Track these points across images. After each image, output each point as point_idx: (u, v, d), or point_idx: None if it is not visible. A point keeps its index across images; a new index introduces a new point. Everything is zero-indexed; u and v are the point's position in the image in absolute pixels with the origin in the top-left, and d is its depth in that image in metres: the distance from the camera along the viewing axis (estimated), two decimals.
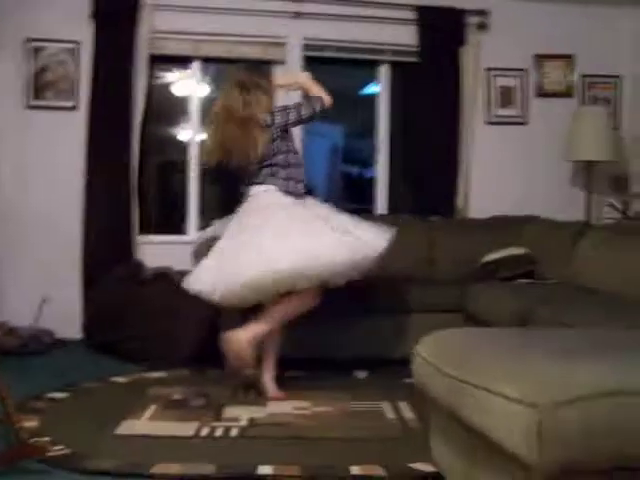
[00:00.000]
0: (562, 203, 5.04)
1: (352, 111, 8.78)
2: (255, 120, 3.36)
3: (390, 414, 3.12)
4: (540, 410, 1.51)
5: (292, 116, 3.44)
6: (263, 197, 3.40)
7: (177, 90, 5.34)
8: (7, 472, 2.32)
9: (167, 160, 5.46)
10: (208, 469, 2.41)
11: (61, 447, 2.58)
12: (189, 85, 5.22)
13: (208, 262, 3.29)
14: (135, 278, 4.35)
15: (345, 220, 3.43)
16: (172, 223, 5.25)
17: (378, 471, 2.40)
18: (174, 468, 2.41)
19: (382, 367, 3.92)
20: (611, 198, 5.18)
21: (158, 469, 2.40)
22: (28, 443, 2.45)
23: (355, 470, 2.42)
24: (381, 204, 5.41)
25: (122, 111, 4.76)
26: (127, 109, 4.76)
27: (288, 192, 3.41)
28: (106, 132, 4.73)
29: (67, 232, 4.74)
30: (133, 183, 4.78)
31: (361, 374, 3.92)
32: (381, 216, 5.09)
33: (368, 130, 5.69)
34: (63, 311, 4.63)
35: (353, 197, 6.81)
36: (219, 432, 2.85)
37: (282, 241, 3.14)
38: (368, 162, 5.83)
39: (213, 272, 3.20)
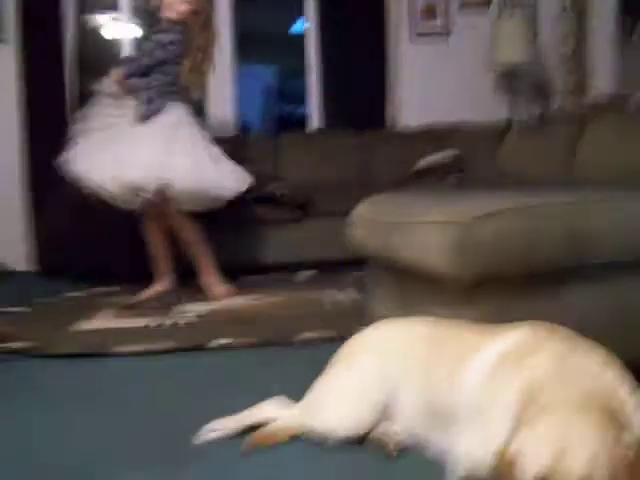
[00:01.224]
0: (488, 110, 5.25)
1: (284, 51, 8.83)
2: None
3: (340, 298, 3.35)
4: (460, 226, 1.72)
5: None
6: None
7: (107, 33, 5.32)
8: None
9: None
10: (168, 344, 2.57)
11: (21, 343, 2.68)
12: (119, 28, 5.20)
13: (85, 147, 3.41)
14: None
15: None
16: None
17: (328, 333, 2.57)
18: (135, 347, 2.56)
19: (326, 267, 4.12)
20: (533, 103, 5.43)
21: (119, 348, 2.55)
22: None
23: (308, 335, 2.61)
24: (317, 122, 5.55)
25: (55, 48, 4.75)
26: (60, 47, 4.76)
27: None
28: (40, 69, 4.73)
29: (5, 166, 4.75)
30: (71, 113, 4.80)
31: (307, 273, 4.12)
32: (318, 130, 5.26)
33: (301, 68, 5.78)
34: (7, 242, 4.67)
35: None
36: (175, 321, 3.01)
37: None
38: (302, 100, 5.92)
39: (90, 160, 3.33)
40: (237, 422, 1.65)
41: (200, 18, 3.46)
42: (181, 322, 2.99)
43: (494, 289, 1.74)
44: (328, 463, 1.50)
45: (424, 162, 4.70)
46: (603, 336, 1.38)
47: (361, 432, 1.57)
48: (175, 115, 3.43)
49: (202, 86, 3.65)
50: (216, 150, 3.51)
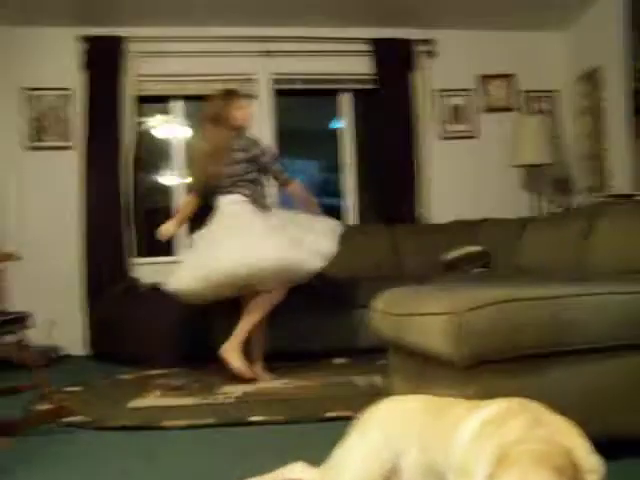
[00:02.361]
0: (512, 205, 5.61)
1: (323, 145, 9.35)
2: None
3: (362, 383, 3.62)
4: (457, 315, 2.03)
5: (263, 159, 4.00)
6: (231, 206, 3.93)
7: (160, 132, 5.91)
8: (39, 431, 2.79)
9: (153, 207, 5.94)
10: (210, 420, 2.88)
11: (81, 417, 3.03)
12: (171, 127, 5.79)
13: (185, 262, 3.85)
14: (132, 292, 4.84)
15: (300, 226, 3.96)
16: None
17: (348, 413, 2.84)
18: (181, 422, 2.88)
19: (359, 355, 4.40)
20: (554, 198, 5.77)
21: (167, 423, 2.87)
22: (58, 406, 2.93)
23: (330, 414, 2.90)
24: (352, 218, 5.96)
25: (113, 150, 5.32)
26: (117, 148, 5.33)
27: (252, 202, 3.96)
28: (100, 170, 5.28)
29: (67, 260, 5.23)
30: (127, 213, 5.32)
31: (339, 360, 4.41)
32: (352, 226, 5.66)
33: (337, 163, 6.26)
34: (68, 331, 5.09)
35: None
36: (217, 400, 3.33)
37: (251, 241, 3.70)
38: (340, 192, 6.36)
39: (190, 269, 3.74)
40: None
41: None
42: (228, 400, 3.33)
43: (487, 368, 2.03)
44: None
45: (451, 255, 5.02)
46: (575, 412, 1.65)
47: None
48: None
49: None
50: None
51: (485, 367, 2.05)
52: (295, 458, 2.05)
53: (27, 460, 2.43)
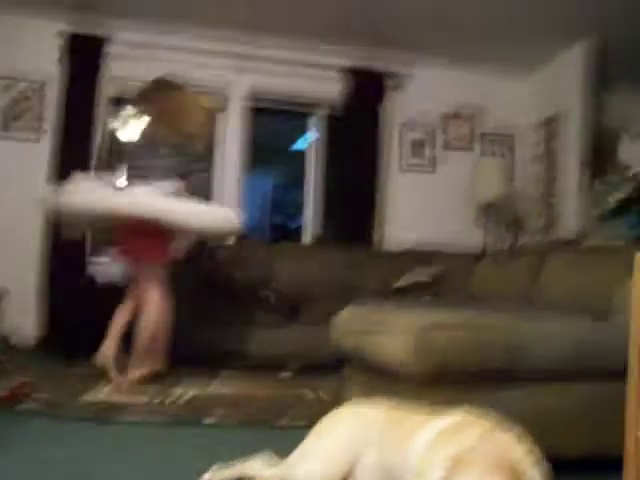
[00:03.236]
0: (466, 238, 5.85)
1: (282, 164, 9.51)
2: None
3: (310, 395, 3.75)
4: (415, 334, 2.19)
5: None
6: None
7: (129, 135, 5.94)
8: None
9: None
10: (168, 412, 2.97)
11: (35, 404, 3.07)
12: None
13: None
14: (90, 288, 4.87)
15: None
16: None
17: (298, 422, 2.95)
18: (137, 415, 2.96)
19: (309, 370, 4.51)
20: (505, 236, 6.05)
21: (120, 417, 2.95)
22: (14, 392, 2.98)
23: (283, 421, 3.01)
24: (310, 234, 6.12)
25: (83, 148, 5.35)
26: (88, 146, 5.37)
27: None
28: (68, 166, 5.27)
29: (27, 252, 5.23)
30: None
31: (287, 374, 4.52)
32: (309, 245, 5.81)
33: (295, 183, 6.42)
34: (20, 322, 5.06)
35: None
36: (169, 400, 3.42)
37: None
38: (294, 213, 6.51)
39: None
40: (231, 473, 2.06)
41: None
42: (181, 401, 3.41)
43: (443, 384, 2.19)
44: None
45: (403, 280, 5.21)
46: (526, 428, 1.80)
47: None
48: None
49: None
50: None
51: (441, 383, 2.21)
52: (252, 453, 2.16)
53: None
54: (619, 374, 1.85)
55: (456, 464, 1.66)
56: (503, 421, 1.84)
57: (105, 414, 2.98)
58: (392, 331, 2.33)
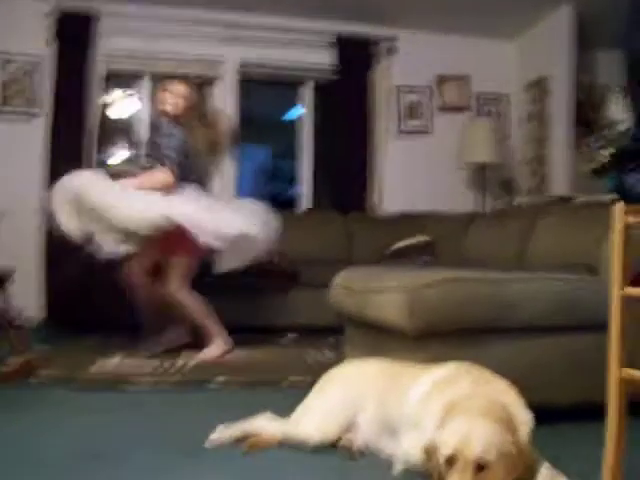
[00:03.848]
0: (458, 201, 5.94)
1: (276, 134, 9.55)
2: None
3: (313, 355, 3.90)
4: (411, 291, 2.30)
5: None
6: None
7: (124, 110, 6.03)
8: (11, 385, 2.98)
9: None
10: (174, 379, 3.10)
11: (48, 374, 3.20)
12: (135, 106, 5.91)
13: None
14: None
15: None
16: None
17: (302, 379, 3.06)
18: (146, 383, 3.09)
19: (309, 332, 4.65)
20: (498, 197, 6.14)
21: (131, 384, 3.07)
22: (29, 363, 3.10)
23: (286, 382, 3.14)
24: (306, 202, 6.22)
25: (78, 124, 5.41)
26: (82, 122, 5.43)
27: None
28: (63, 142, 5.36)
29: (26, 228, 5.31)
30: None
31: (291, 336, 4.65)
32: (307, 210, 5.91)
33: (289, 152, 6.48)
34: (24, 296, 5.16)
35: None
36: (178, 364, 3.55)
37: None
38: (292, 181, 6.58)
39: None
40: (237, 430, 2.18)
41: (195, 113, 4.05)
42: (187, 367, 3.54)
43: (436, 339, 2.30)
44: (306, 462, 2.03)
45: (398, 245, 5.31)
46: (512, 381, 1.91)
47: (329, 440, 2.10)
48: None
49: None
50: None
51: (433, 338, 2.32)
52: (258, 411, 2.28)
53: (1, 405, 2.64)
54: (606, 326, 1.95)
55: (450, 409, 1.78)
56: (493, 372, 1.96)
57: (116, 383, 3.09)
58: (387, 290, 2.43)
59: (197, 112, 4.09)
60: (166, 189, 3.80)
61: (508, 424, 1.73)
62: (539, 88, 5.92)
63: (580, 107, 5.60)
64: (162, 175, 3.82)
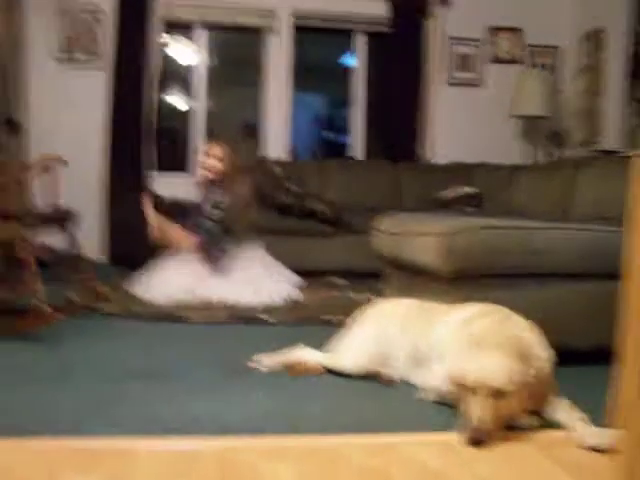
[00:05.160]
0: (507, 153, 5.99)
1: (331, 83, 9.59)
2: None
3: (357, 297, 4.06)
4: (445, 236, 2.46)
5: None
6: None
7: (183, 58, 6.22)
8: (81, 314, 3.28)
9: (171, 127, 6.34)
10: (222, 314, 3.38)
11: (112, 307, 3.50)
12: (193, 54, 6.09)
13: None
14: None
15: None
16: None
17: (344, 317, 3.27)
18: (201, 316, 3.36)
19: (355, 277, 4.84)
20: (548, 150, 6.16)
21: (187, 316, 3.34)
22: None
23: (329, 317, 3.36)
24: (357, 151, 6.36)
25: (139, 71, 5.64)
26: (143, 69, 5.66)
27: None
28: (125, 88, 5.60)
29: (89, 170, 5.60)
30: (148, 131, 5.68)
31: (337, 280, 4.85)
32: (359, 161, 6.07)
33: (343, 100, 6.58)
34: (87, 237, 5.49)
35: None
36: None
37: None
38: (345, 129, 6.69)
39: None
40: (282, 358, 2.41)
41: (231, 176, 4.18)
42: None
43: (468, 282, 2.47)
44: (345, 388, 2.26)
45: (446, 194, 5.43)
46: (538, 324, 2.06)
47: (364, 370, 2.31)
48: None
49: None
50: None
51: (466, 281, 2.49)
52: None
53: (74, 333, 2.96)
54: None
55: (474, 343, 1.95)
56: (518, 313, 2.12)
57: (175, 315, 3.38)
58: (424, 234, 2.60)
59: (237, 169, 4.23)
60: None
61: (527, 358, 1.90)
62: (595, 40, 5.86)
63: (637, 59, 5.52)
64: (188, 243, 4.07)
